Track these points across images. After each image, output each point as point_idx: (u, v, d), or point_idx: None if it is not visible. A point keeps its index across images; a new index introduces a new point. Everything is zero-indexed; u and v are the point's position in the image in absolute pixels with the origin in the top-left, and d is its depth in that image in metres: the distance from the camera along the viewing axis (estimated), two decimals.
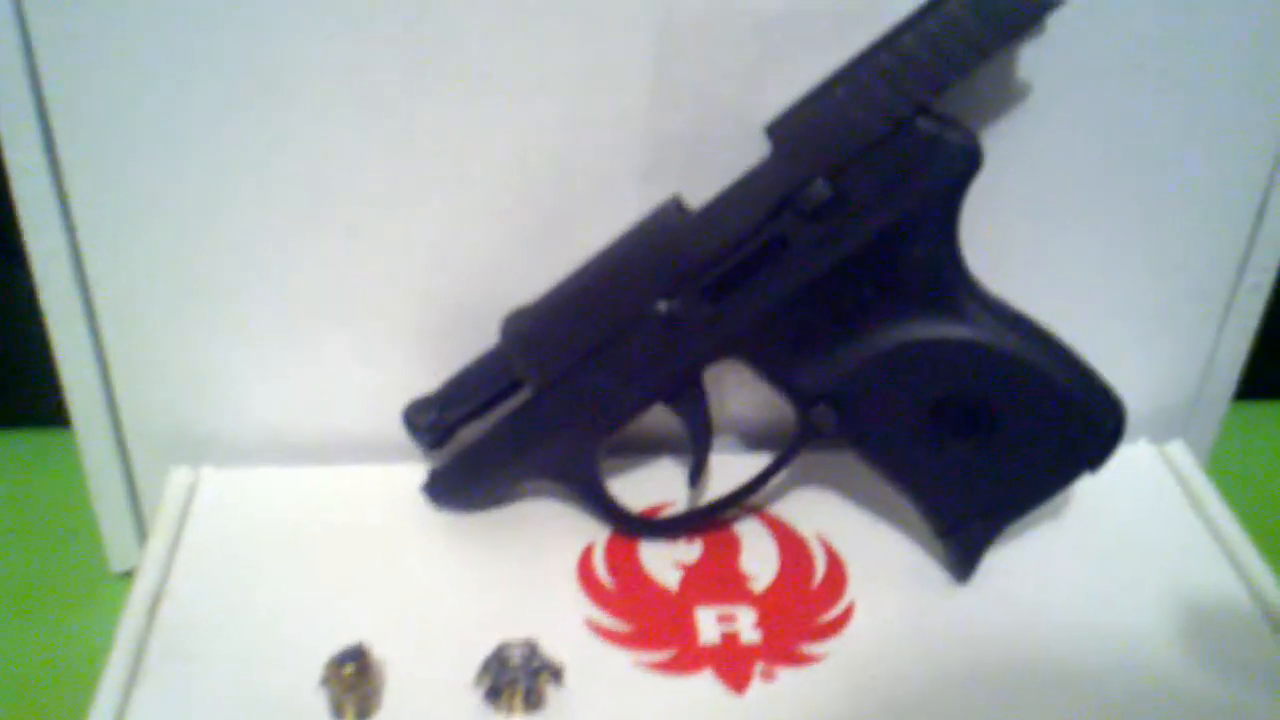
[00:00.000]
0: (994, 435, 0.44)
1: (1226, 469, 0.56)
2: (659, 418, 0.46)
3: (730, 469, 0.50)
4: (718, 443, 0.49)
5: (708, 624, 0.45)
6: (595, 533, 0.49)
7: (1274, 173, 0.48)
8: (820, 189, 0.41)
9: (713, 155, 0.43)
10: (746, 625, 0.45)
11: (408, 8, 0.42)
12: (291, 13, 0.42)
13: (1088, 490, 0.47)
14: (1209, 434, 0.55)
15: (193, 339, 0.49)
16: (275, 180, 0.45)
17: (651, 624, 0.45)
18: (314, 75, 0.43)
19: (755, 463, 0.48)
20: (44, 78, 0.43)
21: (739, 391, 0.50)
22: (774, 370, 0.45)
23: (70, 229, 0.46)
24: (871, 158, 0.41)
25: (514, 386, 0.46)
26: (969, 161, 0.41)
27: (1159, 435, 0.54)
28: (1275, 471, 0.62)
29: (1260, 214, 0.49)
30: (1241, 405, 0.56)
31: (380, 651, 0.42)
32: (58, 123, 0.44)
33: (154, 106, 0.44)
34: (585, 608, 0.45)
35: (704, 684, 0.42)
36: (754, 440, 0.53)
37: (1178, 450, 0.54)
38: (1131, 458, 0.52)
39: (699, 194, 0.43)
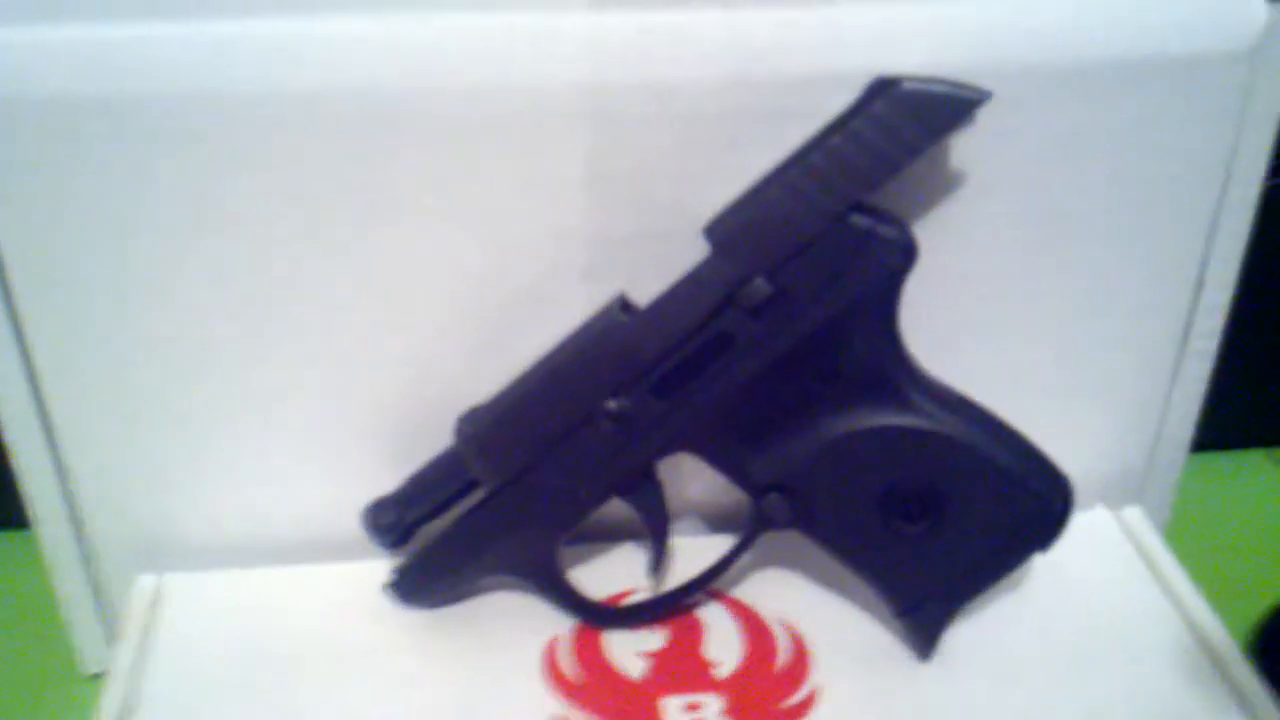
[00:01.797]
0: (944, 519, 0.44)
1: (1186, 523, 0.57)
2: (619, 505, 0.47)
3: (692, 552, 0.50)
4: (678, 526, 0.49)
5: (673, 714, 0.45)
6: (559, 624, 0.49)
7: (1210, 245, 0.49)
8: (760, 286, 0.42)
9: (654, 253, 0.44)
10: (712, 714, 0.45)
11: (347, 128, 0.43)
12: (236, 139, 0.43)
13: (1047, 559, 0.47)
14: (1166, 496, 0.56)
15: (151, 448, 0.49)
16: (231, 296, 0.46)
17: (618, 717, 0.45)
18: (262, 201, 0.44)
19: (717, 545, 0.48)
20: None
21: (697, 475, 0.51)
22: (725, 462, 0.45)
23: (23, 343, 0.46)
24: (808, 255, 0.42)
25: (472, 485, 0.47)
26: (904, 256, 0.42)
27: (1115, 501, 0.54)
28: (1233, 523, 0.63)
29: (1199, 284, 0.50)
30: (1199, 458, 0.57)
31: None
32: (7, 241, 0.44)
33: (106, 231, 0.44)
34: (551, 703, 0.45)
35: None
36: (714, 522, 0.53)
37: (1134, 516, 0.54)
38: (1089, 524, 0.52)
39: (642, 290, 0.44)
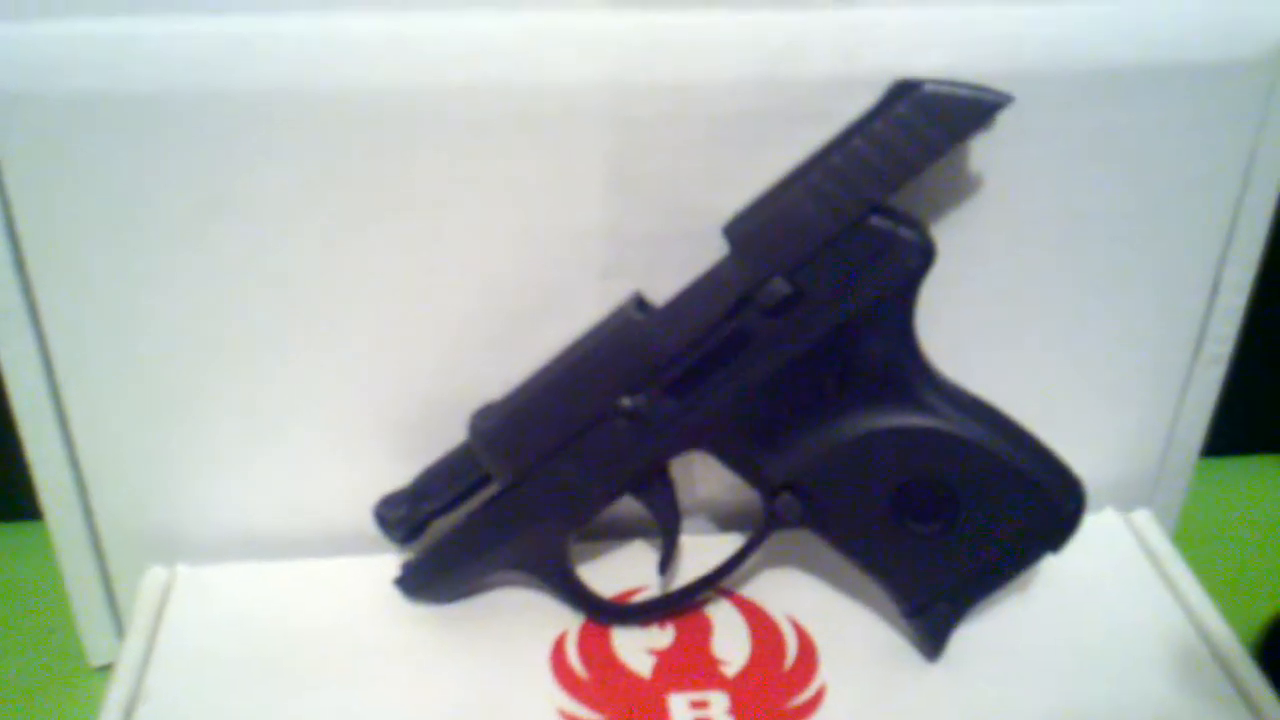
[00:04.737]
0: (956, 520, 0.44)
1: (1195, 527, 0.57)
2: (629, 503, 0.47)
3: (701, 551, 0.50)
4: (688, 524, 0.49)
5: (681, 711, 0.45)
6: (568, 621, 0.49)
7: (1226, 250, 0.49)
8: (779, 286, 0.42)
9: (671, 252, 0.44)
10: (719, 711, 0.45)
11: (369, 125, 0.43)
12: (257, 134, 0.43)
13: (1055, 561, 0.47)
14: (1175, 500, 0.56)
15: (164, 440, 0.49)
16: (247, 292, 0.46)
17: (625, 713, 0.45)
18: (281, 198, 0.44)
19: (726, 543, 0.49)
20: (10, 193, 0.43)
21: (708, 474, 0.51)
22: (738, 461, 0.45)
23: (40, 334, 0.46)
24: (827, 255, 0.42)
25: (484, 481, 0.47)
26: (922, 257, 0.42)
27: (1125, 504, 0.54)
28: (1242, 528, 0.63)
29: (1215, 288, 0.50)
30: (1208, 462, 0.57)
31: None
32: (26, 234, 0.44)
33: (122, 220, 0.44)
34: (559, 698, 0.45)
35: None
36: (724, 521, 0.54)
37: (1143, 519, 0.54)
38: (1098, 527, 0.52)
39: (659, 289, 0.44)
